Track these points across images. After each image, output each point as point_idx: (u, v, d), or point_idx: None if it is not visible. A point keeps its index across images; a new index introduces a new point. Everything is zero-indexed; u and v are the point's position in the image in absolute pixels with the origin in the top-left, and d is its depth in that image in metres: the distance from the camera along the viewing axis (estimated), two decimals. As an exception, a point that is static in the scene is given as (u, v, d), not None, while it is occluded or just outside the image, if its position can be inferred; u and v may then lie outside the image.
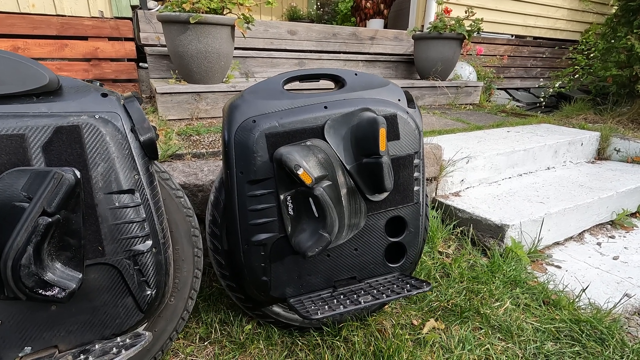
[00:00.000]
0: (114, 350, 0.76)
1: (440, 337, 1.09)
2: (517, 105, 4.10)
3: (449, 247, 1.55)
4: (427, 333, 1.11)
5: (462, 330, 1.12)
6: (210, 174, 1.29)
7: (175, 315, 0.96)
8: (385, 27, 4.67)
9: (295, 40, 3.27)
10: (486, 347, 1.06)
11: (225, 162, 0.92)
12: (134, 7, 2.63)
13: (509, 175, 2.06)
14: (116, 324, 0.80)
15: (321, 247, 0.89)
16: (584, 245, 1.75)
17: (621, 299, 1.32)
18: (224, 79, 2.39)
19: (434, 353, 1.04)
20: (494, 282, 1.34)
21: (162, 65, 2.53)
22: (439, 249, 1.52)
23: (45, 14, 2.40)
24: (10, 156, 0.68)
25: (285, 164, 0.85)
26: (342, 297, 0.98)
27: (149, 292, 0.81)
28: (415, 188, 1.03)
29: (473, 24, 3.06)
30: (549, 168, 2.25)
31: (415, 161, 1.02)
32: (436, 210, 1.74)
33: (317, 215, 0.90)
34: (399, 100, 1.03)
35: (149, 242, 0.80)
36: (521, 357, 1.05)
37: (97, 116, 0.75)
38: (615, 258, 1.63)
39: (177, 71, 2.27)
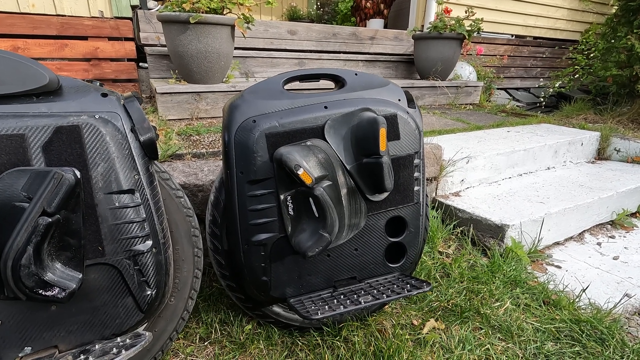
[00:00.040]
0: (114, 350, 0.76)
1: (441, 337, 1.09)
2: (517, 105, 4.10)
3: (449, 247, 1.55)
4: (427, 333, 1.11)
5: (462, 330, 1.12)
6: (210, 174, 1.29)
7: (175, 315, 0.96)
8: (385, 27, 4.67)
9: (295, 40, 3.27)
10: (486, 347, 1.06)
11: (226, 162, 0.92)
12: (134, 7, 2.63)
13: (509, 175, 2.06)
14: (116, 324, 0.80)
15: (321, 247, 0.89)
16: (584, 245, 1.75)
17: (621, 299, 1.32)
18: (224, 79, 2.39)
19: (434, 353, 1.04)
20: (494, 282, 1.34)
21: (162, 65, 2.53)
22: (439, 249, 1.52)
23: (45, 14, 2.40)
24: (10, 156, 0.68)
25: (285, 164, 0.85)
26: (342, 297, 0.98)
27: (149, 292, 0.81)
28: (416, 188, 1.03)
29: (473, 23, 3.06)
30: (549, 168, 2.25)
31: (416, 161, 1.02)
32: (436, 210, 1.74)
33: (317, 215, 0.90)
34: (399, 100, 1.03)
35: (149, 242, 0.80)
36: (521, 357, 1.05)
37: (97, 116, 0.75)
38: (615, 258, 1.63)
39: (177, 71, 2.27)
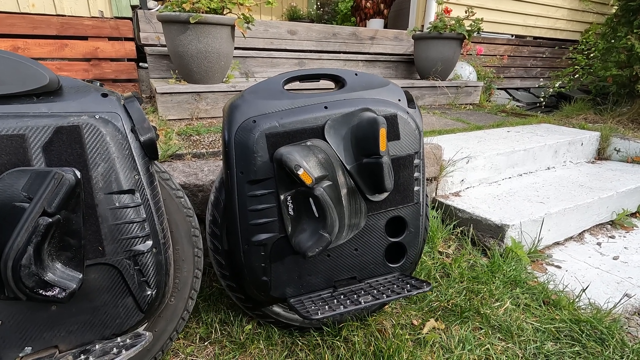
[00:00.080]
0: (114, 350, 0.76)
1: (440, 337, 1.09)
2: (517, 105, 4.10)
3: (449, 247, 1.55)
4: (427, 333, 1.11)
5: (462, 330, 1.12)
6: (211, 174, 1.29)
7: (175, 315, 0.96)
8: (385, 27, 4.67)
9: (295, 40, 3.27)
10: (486, 347, 1.06)
11: (226, 162, 0.92)
12: (134, 7, 2.63)
13: (509, 175, 2.07)
14: (116, 324, 0.80)
15: (321, 247, 0.89)
16: (584, 245, 1.75)
17: (621, 299, 1.32)
18: (224, 79, 2.39)
19: (434, 353, 1.04)
20: (494, 282, 1.34)
21: (162, 65, 2.53)
22: (439, 249, 1.52)
23: (45, 14, 2.40)
24: (10, 156, 0.68)
25: (285, 164, 0.85)
26: (342, 297, 0.98)
27: (149, 292, 0.81)
28: (416, 188, 1.03)
29: (473, 23, 3.06)
30: (549, 168, 2.25)
31: (416, 161, 1.02)
32: (436, 210, 1.74)
33: (317, 216, 0.90)
34: (399, 100, 1.03)
35: (149, 242, 0.80)
36: (521, 357, 1.05)
37: (97, 116, 0.75)
38: (615, 258, 1.63)
39: (177, 71, 2.27)
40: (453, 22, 3.04)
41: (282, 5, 5.78)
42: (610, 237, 1.83)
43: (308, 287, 1.01)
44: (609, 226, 1.93)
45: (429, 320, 1.16)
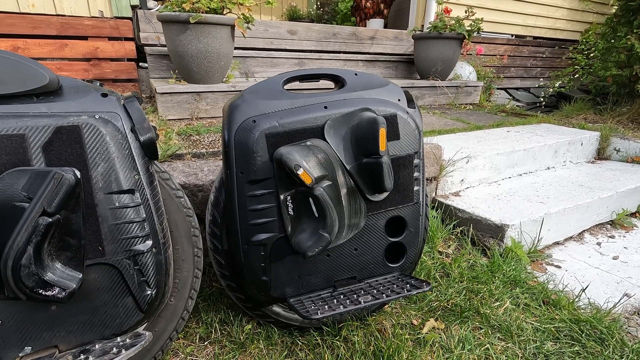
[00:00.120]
0: (114, 350, 0.76)
1: (440, 337, 1.09)
2: (517, 105, 4.10)
3: (449, 247, 1.55)
4: (427, 333, 1.11)
5: (462, 330, 1.12)
6: (210, 174, 1.29)
7: (175, 315, 0.96)
8: (385, 27, 4.67)
9: (295, 40, 3.27)
10: (486, 346, 1.06)
11: (225, 162, 0.92)
12: (134, 7, 2.63)
13: (509, 175, 2.07)
14: (116, 323, 0.80)
15: (321, 247, 0.89)
16: (583, 245, 1.75)
17: (621, 299, 1.32)
18: (224, 79, 2.39)
19: (434, 353, 1.04)
20: (493, 282, 1.34)
21: (162, 65, 2.53)
22: (439, 249, 1.52)
23: (45, 14, 2.40)
24: (10, 156, 0.68)
25: (285, 164, 0.85)
26: (342, 297, 0.98)
27: (149, 292, 0.81)
28: (415, 188, 1.03)
29: (473, 23, 3.06)
30: (548, 168, 2.25)
31: (415, 161, 1.02)
32: (436, 210, 1.74)
33: (317, 215, 0.90)
34: (399, 100, 1.03)
35: (149, 242, 0.80)
36: (521, 357, 1.06)
37: (97, 116, 0.75)
38: (615, 258, 1.63)
39: (177, 71, 2.27)
40: (453, 22, 3.04)
41: (282, 5, 5.78)
42: (610, 237, 1.83)
43: (308, 287, 1.01)
44: (609, 226, 1.93)
45: (428, 320, 1.16)
